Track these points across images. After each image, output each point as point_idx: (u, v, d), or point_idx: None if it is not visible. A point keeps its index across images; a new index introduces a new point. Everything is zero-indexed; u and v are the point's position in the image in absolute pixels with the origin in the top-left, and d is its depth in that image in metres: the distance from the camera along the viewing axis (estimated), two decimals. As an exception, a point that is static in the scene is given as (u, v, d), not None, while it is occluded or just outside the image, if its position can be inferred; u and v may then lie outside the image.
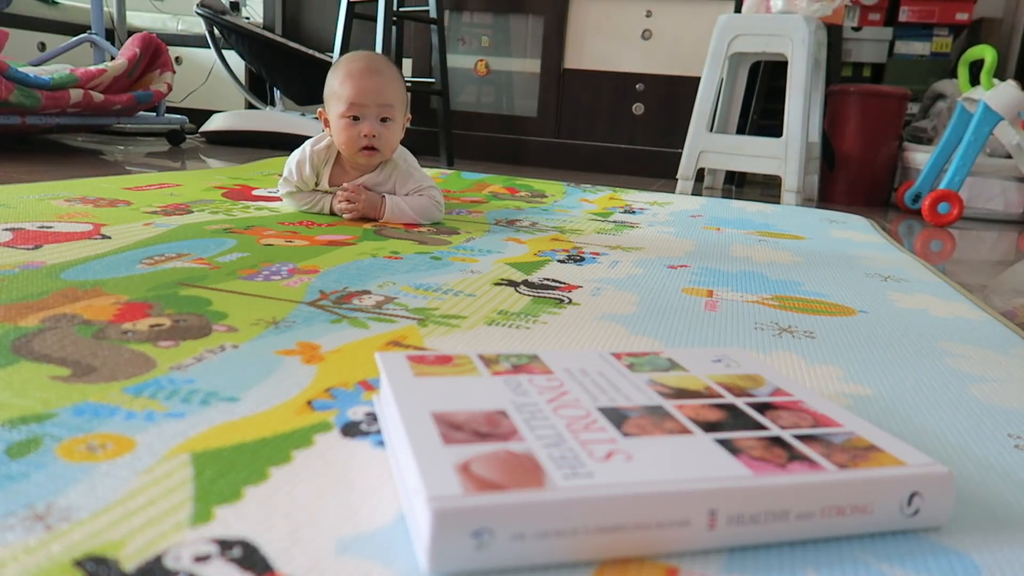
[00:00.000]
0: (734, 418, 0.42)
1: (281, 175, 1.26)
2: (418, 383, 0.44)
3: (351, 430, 0.45)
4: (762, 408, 0.44)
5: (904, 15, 2.51)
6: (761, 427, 0.41)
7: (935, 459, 0.47)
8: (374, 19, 2.31)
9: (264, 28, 2.91)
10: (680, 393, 0.46)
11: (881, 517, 0.37)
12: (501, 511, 0.32)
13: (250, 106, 2.90)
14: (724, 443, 0.39)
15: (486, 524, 0.32)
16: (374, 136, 1.14)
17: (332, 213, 1.23)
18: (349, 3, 2.34)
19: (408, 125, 1.23)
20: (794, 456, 0.38)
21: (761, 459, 0.38)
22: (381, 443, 0.44)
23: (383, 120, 1.15)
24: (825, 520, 0.37)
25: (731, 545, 0.36)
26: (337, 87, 1.16)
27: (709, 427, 0.41)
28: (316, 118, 1.18)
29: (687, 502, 0.34)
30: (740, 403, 0.45)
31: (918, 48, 2.54)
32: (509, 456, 0.36)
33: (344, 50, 2.39)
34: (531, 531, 0.32)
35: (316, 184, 1.23)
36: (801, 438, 0.40)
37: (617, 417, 0.41)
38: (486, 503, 0.32)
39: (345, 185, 1.20)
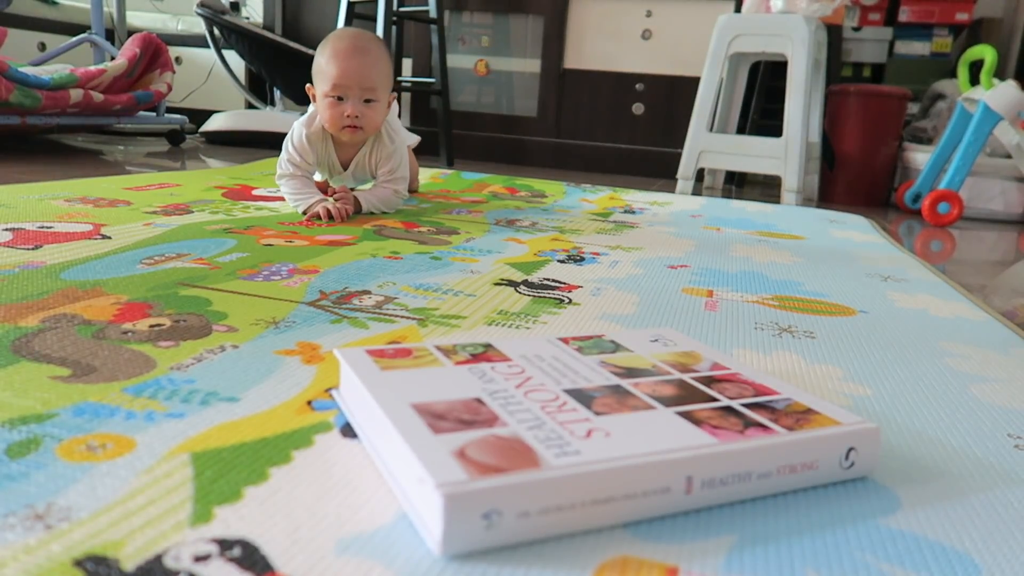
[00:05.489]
0: (687, 392, 0.46)
1: (281, 157, 1.24)
2: (387, 377, 0.45)
3: (351, 430, 0.45)
4: (708, 381, 0.48)
5: (904, 15, 2.51)
6: (712, 399, 0.45)
7: (934, 460, 0.47)
8: (374, 19, 2.31)
9: (264, 28, 2.91)
10: (632, 372, 0.49)
11: (825, 471, 0.42)
12: (507, 492, 0.34)
13: (250, 106, 2.90)
14: (685, 415, 0.42)
15: (495, 505, 0.33)
16: (357, 116, 1.18)
17: (322, 216, 1.18)
18: (349, 3, 2.34)
19: (393, 101, 1.27)
20: (748, 423, 0.42)
21: (720, 427, 0.41)
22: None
23: (367, 101, 1.18)
24: (780, 478, 0.40)
25: (705, 506, 0.39)
26: (324, 65, 1.18)
27: (668, 402, 0.44)
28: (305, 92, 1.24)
29: (668, 471, 0.37)
30: (687, 378, 0.49)
31: (918, 48, 2.54)
32: (499, 440, 0.38)
33: (344, 50, 2.39)
34: (535, 509, 0.34)
35: (319, 166, 1.28)
36: (749, 406, 0.44)
37: (584, 398, 0.44)
38: (493, 485, 0.33)
39: (336, 191, 1.25)
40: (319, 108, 1.21)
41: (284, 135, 1.27)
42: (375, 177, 1.31)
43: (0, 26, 1.90)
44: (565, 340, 0.55)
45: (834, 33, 2.39)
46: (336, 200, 1.23)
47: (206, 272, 0.81)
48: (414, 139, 1.54)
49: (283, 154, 1.25)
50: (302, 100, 2.67)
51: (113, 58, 2.30)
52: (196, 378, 0.51)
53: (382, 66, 1.20)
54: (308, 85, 1.23)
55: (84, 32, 2.43)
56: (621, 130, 2.77)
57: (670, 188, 2.28)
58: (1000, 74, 2.40)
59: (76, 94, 1.95)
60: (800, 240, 1.38)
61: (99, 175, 1.61)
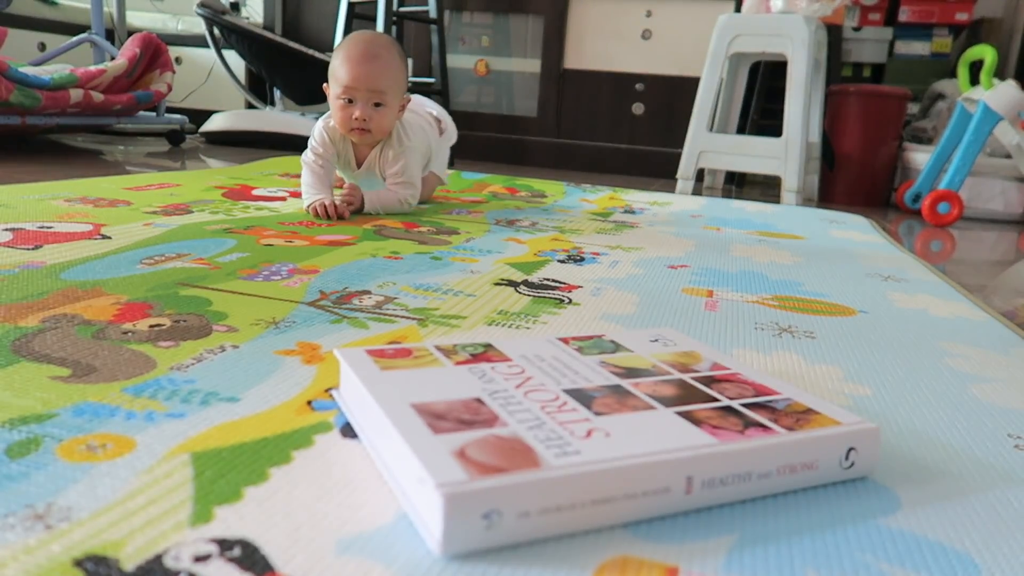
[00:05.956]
0: (687, 392, 0.46)
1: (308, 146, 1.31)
2: (387, 377, 0.45)
3: (351, 430, 0.45)
4: (708, 381, 0.48)
5: (904, 15, 2.51)
6: (712, 399, 0.45)
7: (934, 460, 0.47)
8: (374, 19, 2.31)
9: (264, 28, 2.91)
10: (632, 372, 0.49)
11: (825, 471, 0.42)
12: (507, 492, 0.33)
13: (250, 106, 2.90)
14: (685, 415, 0.42)
15: (495, 505, 0.33)
16: (365, 120, 1.20)
17: (327, 215, 1.20)
18: (349, 3, 2.34)
19: (408, 105, 1.30)
20: (748, 423, 0.42)
21: (720, 427, 0.41)
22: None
23: (376, 105, 1.20)
24: (780, 478, 0.40)
25: (705, 506, 0.39)
26: (337, 68, 1.21)
27: (668, 402, 0.44)
28: (323, 92, 1.30)
29: (668, 471, 0.37)
30: (687, 378, 0.48)
31: (918, 48, 2.54)
32: (499, 440, 0.38)
33: (344, 50, 2.39)
34: (535, 509, 0.34)
35: (338, 162, 1.31)
36: (749, 406, 0.44)
37: (584, 398, 0.44)
38: (493, 485, 0.33)
39: (345, 187, 1.26)
40: (331, 109, 1.24)
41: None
42: (385, 178, 1.32)
43: (0, 26, 1.90)
44: (565, 340, 0.55)
45: (834, 33, 2.40)
46: (343, 195, 1.24)
47: (206, 272, 0.81)
48: (443, 169, 1.53)
49: (310, 142, 1.30)
50: (302, 100, 2.68)
51: (113, 58, 2.30)
52: (196, 378, 0.51)
53: (393, 71, 1.22)
54: (324, 84, 1.26)
55: (84, 32, 2.43)
56: (621, 130, 2.77)
57: (670, 188, 2.28)
58: (1000, 74, 2.40)
59: (76, 94, 1.95)
60: (800, 240, 1.38)
61: (99, 175, 1.61)
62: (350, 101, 1.20)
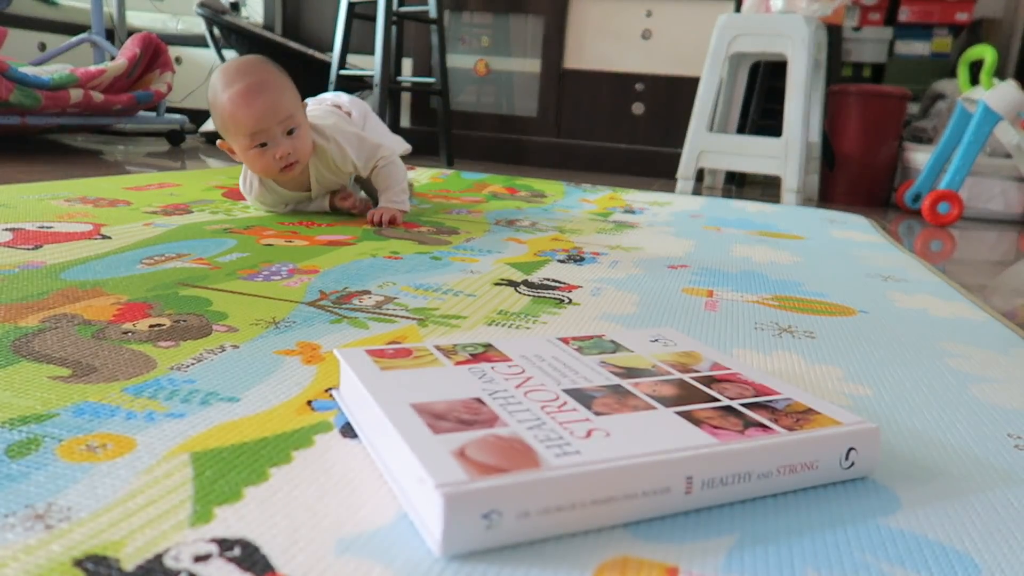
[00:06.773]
0: (687, 392, 0.46)
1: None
2: (387, 377, 0.45)
3: (351, 430, 0.45)
4: (708, 381, 0.48)
5: (904, 15, 2.51)
6: (712, 399, 0.45)
7: (934, 460, 0.47)
8: (374, 19, 2.31)
9: (264, 28, 2.91)
10: (632, 372, 0.49)
11: (825, 471, 0.42)
12: (507, 492, 0.33)
13: (250, 106, 2.89)
14: (685, 415, 0.42)
15: (495, 505, 0.33)
16: (288, 153, 1.10)
17: (334, 209, 1.26)
18: (349, 3, 2.34)
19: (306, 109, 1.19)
20: (748, 423, 0.42)
21: (721, 427, 0.41)
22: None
23: (289, 133, 1.10)
24: (781, 478, 0.40)
25: (705, 506, 0.39)
26: (229, 117, 1.07)
27: (668, 402, 0.44)
28: (219, 147, 1.15)
29: (668, 471, 0.37)
30: (688, 378, 0.48)
31: (918, 48, 2.54)
32: (499, 440, 0.38)
33: (344, 50, 2.39)
34: (535, 509, 0.34)
35: (285, 204, 1.23)
36: (749, 406, 0.44)
37: (584, 398, 0.44)
38: (493, 485, 0.33)
39: (375, 212, 1.19)
40: (246, 162, 1.13)
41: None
42: (351, 176, 1.23)
43: (0, 26, 1.90)
44: (565, 340, 0.55)
45: (834, 33, 2.39)
46: (384, 220, 1.18)
47: (206, 272, 0.81)
48: (390, 144, 1.36)
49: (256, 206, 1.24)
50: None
51: (113, 58, 2.30)
52: (196, 378, 0.51)
53: (287, 89, 1.11)
54: (219, 141, 1.14)
55: (84, 32, 2.43)
56: (621, 130, 2.77)
57: (670, 188, 2.28)
58: (1000, 74, 2.40)
59: (76, 94, 1.95)
60: (800, 240, 1.38)
61: (99, 175, 1.61)
62: (263, 145, 1.08)
